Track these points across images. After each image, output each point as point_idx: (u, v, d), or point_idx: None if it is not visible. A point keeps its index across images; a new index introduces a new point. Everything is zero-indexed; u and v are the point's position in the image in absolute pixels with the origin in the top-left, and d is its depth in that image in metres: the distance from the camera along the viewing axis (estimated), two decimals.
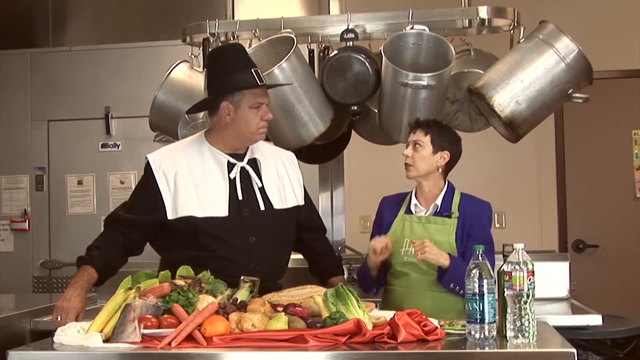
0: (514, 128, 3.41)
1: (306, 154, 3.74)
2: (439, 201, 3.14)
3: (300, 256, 3.36)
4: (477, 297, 2.39)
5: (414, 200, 3.17)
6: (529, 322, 2.37)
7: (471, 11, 3.61)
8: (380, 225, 3.22)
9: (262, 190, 3.07)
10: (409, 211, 3.18)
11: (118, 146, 5.22)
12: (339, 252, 4.34)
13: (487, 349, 2.36)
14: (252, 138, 3.04)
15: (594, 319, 3.21)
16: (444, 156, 3.12)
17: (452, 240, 3.09)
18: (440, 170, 3.13)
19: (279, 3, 5.23)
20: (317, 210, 3.46)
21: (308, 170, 3.87)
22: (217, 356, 2.34)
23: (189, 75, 3.80)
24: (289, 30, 3.56)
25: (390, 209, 3.23)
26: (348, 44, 3.55)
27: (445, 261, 2.97)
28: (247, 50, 3.23)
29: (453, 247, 3.07)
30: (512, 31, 3.59)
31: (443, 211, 3.13)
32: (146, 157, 3.06)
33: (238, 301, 2.65)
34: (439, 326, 2.48)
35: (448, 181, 3.18)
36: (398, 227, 3.16)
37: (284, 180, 3.14)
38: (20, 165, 5.27)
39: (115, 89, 5.19)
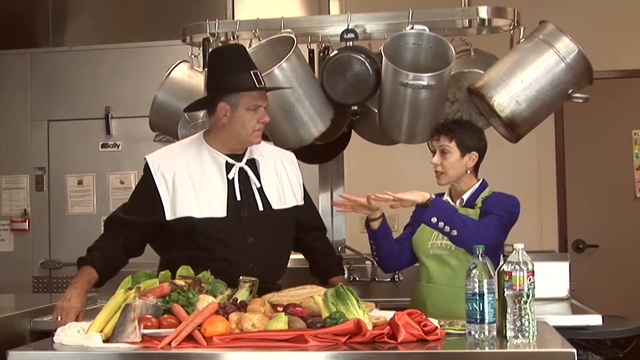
0: (514, 128, 3.41)
1: (306, 154, 3.74)
2: (465, 196, 3.17)
3: (300, 256, 3.36)
4: (477, 297, 2.39)
5: (445, 196, 3.21)
6: (529, 322, 2.37)
7: (471, 11, 3.61)
8: (413, 225, 3.29)
9: (260, 190, 3.07)
10: None
11: (118, 146, 5.22)
12: (339, 252, 4.34)
13: (487, 349, 2.36)
14: (248, 140, 3.04)
15: (594, 319, 3.21)
16: (473, 157, 3.15)
17: None
18: (469, 171, 3.16)
19: (279, 3, 5.22)
20: (317, 210, 3.46)
21: (308, 170, 3.88)
22: (217, 356, 2.34)
23: (189, 75, 3.80)
24: (289, 30, 3.56)
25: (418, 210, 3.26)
26: (348, 44, 3.55)
27: (421, 197, 2.96)
28: (247, 50, 3.23)
29: None
30: (512, 31, 3.59)
31: (467, 204, 3.15)
32: (145, 158, 3.07)
33: (238, 301, 2.65)
34: (439, 326, 2.49)
35: (483, 179, 3.21)
36: None
37: (283, 181, 3.14)
38: (20, 165, 5.27)
39: (115, 89, 5.19)
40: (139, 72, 5.11)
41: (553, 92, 3.38)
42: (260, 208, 3.04)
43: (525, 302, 2.37)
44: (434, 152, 3.19)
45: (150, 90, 3.84)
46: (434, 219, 2.94)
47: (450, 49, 3.41)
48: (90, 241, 3.03)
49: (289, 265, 3.19)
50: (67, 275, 5.02)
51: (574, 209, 5.57)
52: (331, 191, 4.86)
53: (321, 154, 3.99)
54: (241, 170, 3.06)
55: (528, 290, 2.37)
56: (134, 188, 3.20)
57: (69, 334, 2.50)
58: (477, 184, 3.19)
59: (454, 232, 2.93)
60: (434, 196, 2.99)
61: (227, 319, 2.50)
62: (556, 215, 5.55)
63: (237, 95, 2.97)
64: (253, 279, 2.80)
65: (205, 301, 2.58)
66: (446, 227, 2.93)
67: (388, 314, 2.56)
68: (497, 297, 2.44)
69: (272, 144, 3.45)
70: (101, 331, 2.48)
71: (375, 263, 4.16)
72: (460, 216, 2.99)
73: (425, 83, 3.32)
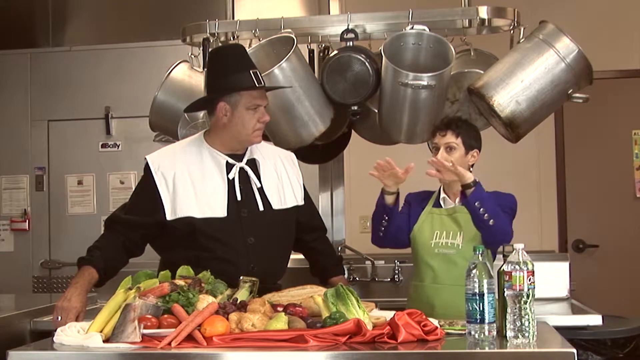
0: (514, 128, 3.41)
1: (306, 154, 3.74)
2: None
3: (300, 256, 3.36)
4: (477, 297, 2.39)
5: (442, 194, 3.20)
6: (529, 322, 2.37)
7: (471, 11, 3.61)
8: (409, 215, 3.26)
9: (261, 190, 3.06)
10: (437, 205, 3.21)
11: (118, 146, 5.22)
12: (339, 252, 4.34)
13: (487, 349, 2.36)
14: (249, 140, 3.04)
15: (594, 319, 3.21)
16: (474, 155, 3.20)
17: None
18: (470, 169, 3.18)
19: (278, 3, 5.22)
20: (317, 210, 3.46)
21: (308, 170, 3.88)
22: (217, 356, 2.34)
23: (189, 75, 3.80)
24: (289, 30, 3.56)
25: (417, 201, 3.26)
26: (348, 44, 3.55)
27: (469, 177, 3.00)
28: (247, 50, 3.23)
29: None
30: (512, 31, 3.59)
31: None
32: (145, 158, 3.07)
33: (238, 301, 2.65)
34: (439, 326, 2.48)
35: (475, 178, 3.20)
36: (426, 219, 3.20)
37: (283, 181, 3.14)
38: (20, 165, 5.27)
39: (115, 89, 5.19)
40: (139, 72, 5.11)
41: (553, 92, 3.38)
42: (261, 208, 3.04)
43: (525, 302, 2.37)
44: (436, 150, 3.19)
45: (150, 90, 3.84)
46: (477, 204, 2.97)
47: (450, 49, 3.41)
48: (90, 241, 3.02)
49: (289, 265, 3.18)
50: (67, 275, 5.03)
51: (574, 209, 5.57)
52: (331, 191, 4.87)
53: (321, 154, 3.99)
54: (241, 170, 3.06)
55: (528, 290, 2.37)
56: (134, 188, 3.20)
57: (69, 334, 2.50)
58: None
59: (491, 222, 2.97)
60: (477, 180, 3.02)
61: (227, 319, 2.50)
62: (556, 215, 5.55)
63: (237, 94, 2.97)
64: (253, 279, 2.80)
65: (205, 301, 2.58)
66: (486, 214, 2.97)
67: (388, 314, 2.56)
68: (497, 297, 2.44)
69: (272, 144, 3.45)
70: (101, 331, 2.48)
71: (373, 262, 4.19)
72: (497, 207, 3.02)
73: (425, 83, 3.32)
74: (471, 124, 3.29)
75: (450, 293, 3.07)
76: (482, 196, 2.99)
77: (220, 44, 3.68)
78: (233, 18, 5.12)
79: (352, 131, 3.95)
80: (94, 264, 2.92)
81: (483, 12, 3.57)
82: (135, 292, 2.58)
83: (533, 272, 2.39)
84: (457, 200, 3.19)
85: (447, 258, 3.13)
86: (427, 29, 3.48)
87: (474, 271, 2.40)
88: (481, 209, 2.97)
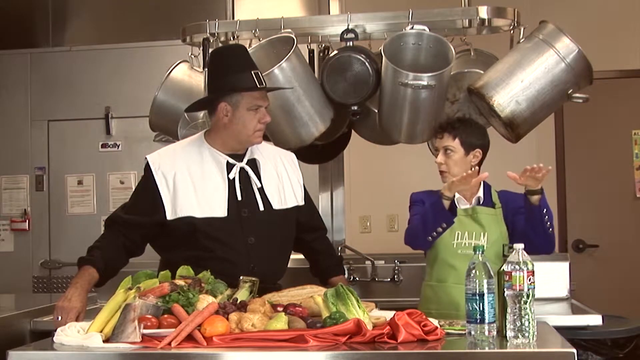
0: (514, 128, 3.41)
1: (306, 154, 3.74)
2: (480, 193, 3.18)
3: (300, 256, 3.36)
4: (477, 297, 2.38)
5: (456, 195, 3.18)
6: (529, 322, 2.37)
7: (471, 11, 3.61)
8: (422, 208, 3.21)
9: (261, 190, 3.07)
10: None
11: (118, 146, 5.22)
12: (339, 252, 4.34)
13: (487, 349, 2.36)
14: (249, 140, 3.04)
15: (594, 319, 3.21)
16: (477, 154, 3.18)
17: (503, 229, 3.15)
18: (474, 169, 3.15)
19: (278, 3, 5.23)
20: (317, 210, 3.46)
21: (308, 170, 3.88)
22: (217, 356, 2.34)
23: (189, 75, 3.81)
24: (289, 30, 3.56)
25: (430, 201, 3.22)
26: (348, 44, 3.55)
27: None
28: (247, 50, 3.23)
29: (505, 236, 3.13)
30: (512, 31, 3.59)
31: (485, 203, 3.15)
32: (145, 158, 3.07)
33: (238, 301, 2.65)
34: (439, 326, 2.49)
35: None
36: None
37: (283, 181, 3.14)
38: (20, 165, 5.27)
39: (115, 89, 5.19)
40: (139, 72, 5.11)
41: (553, 92, 3.38)
42: (261, 208, 3.05)
43: (525, 302, 2.37)
44: (435, 151, 3.19)
45: (150, 90, 3.84)
46: (545, 211, 2.99)
47: (450, 49, 3.41)
48: (90, 241, 3.03)
49: (289, 265, 3.18)
50: (67, 275, 5.03)
51: (574, 209, 5.57)
52: (331, 191, 4.87)
53: (321, 154, 3.99)
54: (242, 170, 3.06)
55: (528, 290, 2.37)
56: (134, 188, 3.20)
57: (69, 334, 2.50)
58: (482, 182, 3.20)
59: (550, 229, 3.01)
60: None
61: (227, 319, 2.50)
62: (556, 215, 5.55)
63: (238, 95, 2.97)
64: (253, 279, 2.80)
65: (205, 301, 2.58)
66: (548, 222, 3.00)
67: (388, 314, 2.56)
68: (497, 297, 2.44)
69: (273, 144, 3.45)
70: (101, 331, 2.48)
71: (373, 262, 4.19)
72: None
73: (425, 83, 3.32)
74: (474, 123, 3.27)
75: None
76: (546, 203, 3.01)
77: (220, 44, 3.68)
78: (233, 18, 5.12)
79: (352, 131, 3.95)
80: (94, 264, 2.92)
81: (483, 12, 3.57)
82: (135, 292, 2.58)
83: (533, 272, 2.39)
84: (474, 200, 3.18)
85: (468, 258, 3.09)
86: (427, 29, 3.48)
87: (474, 271, 2.40)
88: (546, 217, 2.99)
